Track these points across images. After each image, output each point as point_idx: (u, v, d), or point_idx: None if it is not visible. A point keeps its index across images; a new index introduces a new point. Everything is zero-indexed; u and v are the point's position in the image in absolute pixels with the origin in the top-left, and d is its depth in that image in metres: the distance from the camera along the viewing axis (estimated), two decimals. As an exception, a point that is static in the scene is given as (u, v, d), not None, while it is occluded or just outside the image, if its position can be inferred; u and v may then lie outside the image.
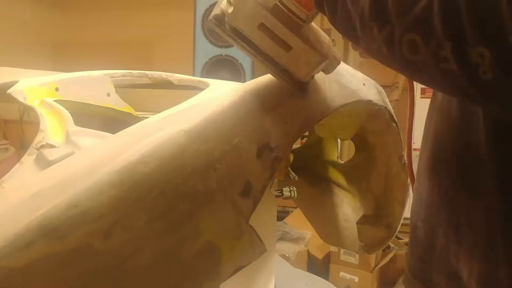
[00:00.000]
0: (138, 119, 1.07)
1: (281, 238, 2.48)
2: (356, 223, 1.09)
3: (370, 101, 0.82)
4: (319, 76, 0.70)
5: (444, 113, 0.60)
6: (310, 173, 1.19)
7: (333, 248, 2.45)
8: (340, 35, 0.56)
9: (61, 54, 3.44)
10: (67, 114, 0.81)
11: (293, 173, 1.00)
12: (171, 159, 0.54)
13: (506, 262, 0.52)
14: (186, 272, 0.55)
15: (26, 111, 1.15)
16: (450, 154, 0.59)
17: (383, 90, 0.89)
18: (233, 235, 0.58)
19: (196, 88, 1.11)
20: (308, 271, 2.24)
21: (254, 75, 2.39)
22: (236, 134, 0.60)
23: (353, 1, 0.48)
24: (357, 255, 2.39)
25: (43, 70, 1.32)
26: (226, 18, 0.61)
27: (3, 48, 2.72)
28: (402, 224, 1.06)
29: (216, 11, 0.62)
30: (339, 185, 1.19)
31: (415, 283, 0.67)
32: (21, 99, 0.93)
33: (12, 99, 0.94)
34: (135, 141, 0.55)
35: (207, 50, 2.45)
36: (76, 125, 0.77)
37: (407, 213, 1.04)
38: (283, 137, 0.65)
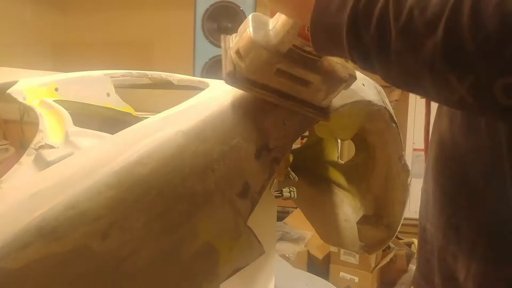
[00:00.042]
0: (138, 119, 1.07)
1: (281, 238, 2.48)
2: (356, 223, 1.09)
3: (369, 101, 0.81)
4: None
5: (448, 117, 0.60)
6: (310, 173, 1.19)
7: (333, 248, 2.45)
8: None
9: (61, 54, 3.44)
10: (66, 114, 0.81)
11: (293, 174, 0.99)
12: (169, 160, 0.54)
13: (505, 262, 0.52)
14: (184, 273, 0.55)
15: (26, 111, 1.15)
16: (452, 157, 0.60)
17: (382, 90, 0.89)
18: (231, 236, 0.58)
19: (196, 88, 1.11)
20: (308, 271, 2.24)
21: (254, 75, 2.39)
22: (235, 135, 0.60)
23: (414, 48, 0.40)
24: (357, 255, 2.39)
25: (43, 70, 1.32)
26: (239, 72, 0.60)
27: (3, 48, 2.72)
28: (402, 224, 1.06)
29: (228, 68, 0.61)
30: (339, 185, 1.18)
31: (422, 284, 0.67)
32: (20, 99, 0.93)
33: (12, 99, 0.94)
34: (133, 142, 0.55)
35: (207, 50, 2.45)
36: (76, 125, 0.77)
37: (407, 213, 1.04)
38: (282, 138, 0.64)
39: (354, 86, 0.79)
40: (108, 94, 1.11)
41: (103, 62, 1.43)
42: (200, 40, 2.45)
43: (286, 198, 0.99)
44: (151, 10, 3.39)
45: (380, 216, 1.07)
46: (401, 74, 0.44)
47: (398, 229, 1.07)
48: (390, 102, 0.93)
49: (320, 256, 2.49)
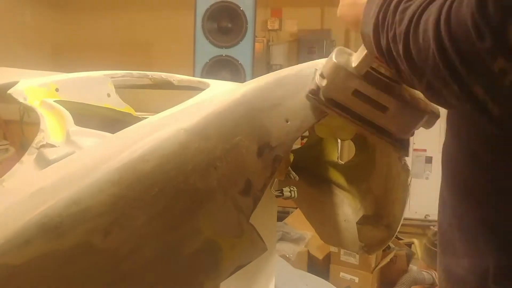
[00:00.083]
0: (138, 120, 1.07)
1: (282, 239, 2.48)
2: (356, 223, 1.09)
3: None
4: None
5: (451, 126, 0.61)
6: (310, 173, 1.19)
7: (333, 249, 2.45)
8: (341, 36, 0.57)
9: (61, 54, 3.45)
10: (67, 114, 0.81)
11: (294, 173, 1.00)
12: (171, 157, 0.54)
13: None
14: (187, 270, 0.55)
15: (26, 111, 1.15)
16: (454, 162, 0.60)
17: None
18: (234, 234, 0.58)
19: (196, 89, 1.11)
20: (309, 271, 2.24)
21: (254, 75, 2.39)
22: (237, 132, 0.60)
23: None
24: (357, 256, 2.39)
25: (43, 70, 1.32)
26: (321, 91, 0.63)
27: (3, 48, 2.73)
28: (402, 224, 1.06)
29: (311, 85, 0.65)
30: (339, 186, 1.18)
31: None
32: (21, 100, 0.93)
33: (12, 100, 0.94)
34: (135, 140, 0.55)
35: (207, 50, 2.45)
36: (77, 125, 0.77)
37: (407, 213, 1.04)
38: (284, 136, 0.65)
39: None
40: (108, 95, 1.11)
41: (103, 63, 1.43)
42: (200, 40, 2.45)
43: (287, 198, 0.99)
44: (151, 10, 3.40)
45: (380, 216, 1.07)
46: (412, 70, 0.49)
47: (398, 229, 1.07)
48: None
49: (320, 256, 2.49)
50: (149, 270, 0.52)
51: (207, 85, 1.05)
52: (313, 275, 1.94)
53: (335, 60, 0.61)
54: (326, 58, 0.65)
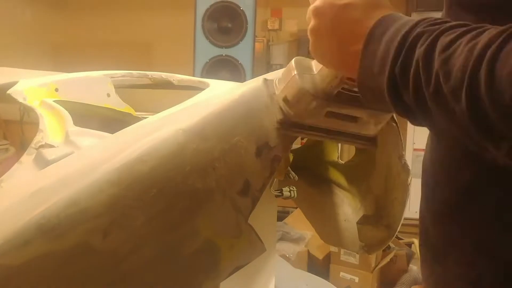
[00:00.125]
0: (137, 120, 1.07)
1: (281, 238, 2.48)
2: (356, 223, 1.09)
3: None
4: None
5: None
6: (310, 173, 1.19)
7: (333, 249, 2.45)
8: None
9: (61, 54, 3.45)
10: (66, 114, 0.81)
11: (293, 173, 0.99)
12: (170, 158, 0.54)
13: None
14: (186, 270, 0.55)
15: (26, 111, 1.15)
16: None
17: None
18: (232, 234, 0.58)
19: (196, 89, 1.11)
20: (309, 271, 2.24)
21: (254, 75, 2.39)
22: (236, 133, 0.60)
23: (447, 113, 0.40)
24: (357, 256, 2.39)
25: (43, 70, 1.32)
26: (290, 119, 0.61)
27: (3, 48, 2.73)
28: (402, 224, 1.06)
29: (278, 116, 0.62)
30: (339, 185, 1.18)
31: None
32: (21, 100, 0.93)
33: (12, 100, 0.94)
34: (134, 140, 0.55)
35: (207, 50, 2.45)
36: (76, 125, 0.77)
37: (407, 213, 1.04)
38: (283, 136, 0.65)
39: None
40: (108, 95, 1.11)
41: (103, 63, 1.43)
42: (200, 40, 2.45)
43: (286, 198, 0.99)
44: (151, 10, 3.40)
45: (380, 216, 1.07)
46: (446, 131, 0.45)
47: (398, 229, 1.07)
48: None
49: (320, 256, 2.49)
50: (148, 270, 0.52)
51: (207, 85, 1.05)
52: (313, 275, 1.94)
53: (301, 85, 0.58)
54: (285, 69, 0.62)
